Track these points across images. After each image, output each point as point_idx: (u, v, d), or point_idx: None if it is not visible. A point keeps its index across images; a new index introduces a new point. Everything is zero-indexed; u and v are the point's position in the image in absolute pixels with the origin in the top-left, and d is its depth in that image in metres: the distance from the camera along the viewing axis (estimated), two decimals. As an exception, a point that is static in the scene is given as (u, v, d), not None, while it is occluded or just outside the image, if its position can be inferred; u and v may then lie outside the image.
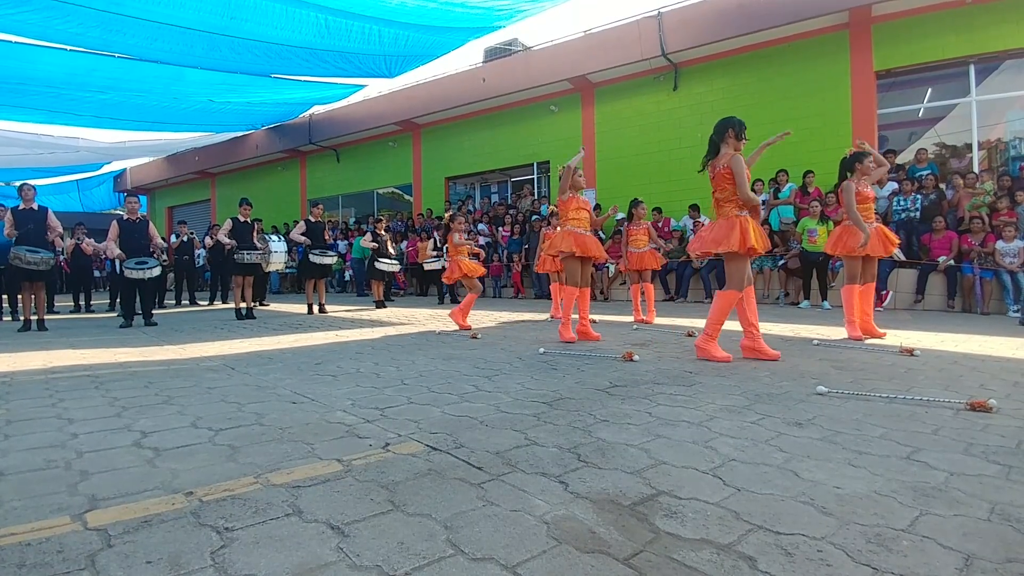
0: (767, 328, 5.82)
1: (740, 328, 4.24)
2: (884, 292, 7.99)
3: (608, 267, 10.82)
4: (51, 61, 9.72)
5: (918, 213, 8.31)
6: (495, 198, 15.51)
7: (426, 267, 11.40)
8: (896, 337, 5.07)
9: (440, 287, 11.36)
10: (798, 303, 8.73)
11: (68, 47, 9.26)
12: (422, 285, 13.94)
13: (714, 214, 4.27)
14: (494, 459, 2.05)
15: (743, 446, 2.15)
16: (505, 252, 12.36)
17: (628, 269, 7.08)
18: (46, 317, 7.22)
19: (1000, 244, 7.38)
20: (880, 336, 5.05)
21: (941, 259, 7.78)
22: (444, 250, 10.64)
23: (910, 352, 4.15)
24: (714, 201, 4.22)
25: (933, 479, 1.80)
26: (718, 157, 4.12)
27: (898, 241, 5.38)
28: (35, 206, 6.93)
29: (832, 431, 2.32)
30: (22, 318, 7.11)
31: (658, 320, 6.92)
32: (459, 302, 10.94)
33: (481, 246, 12.18)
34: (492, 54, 14.03)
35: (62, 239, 7.55)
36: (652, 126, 11.93)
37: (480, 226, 13.22)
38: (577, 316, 5.53)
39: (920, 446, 2.12)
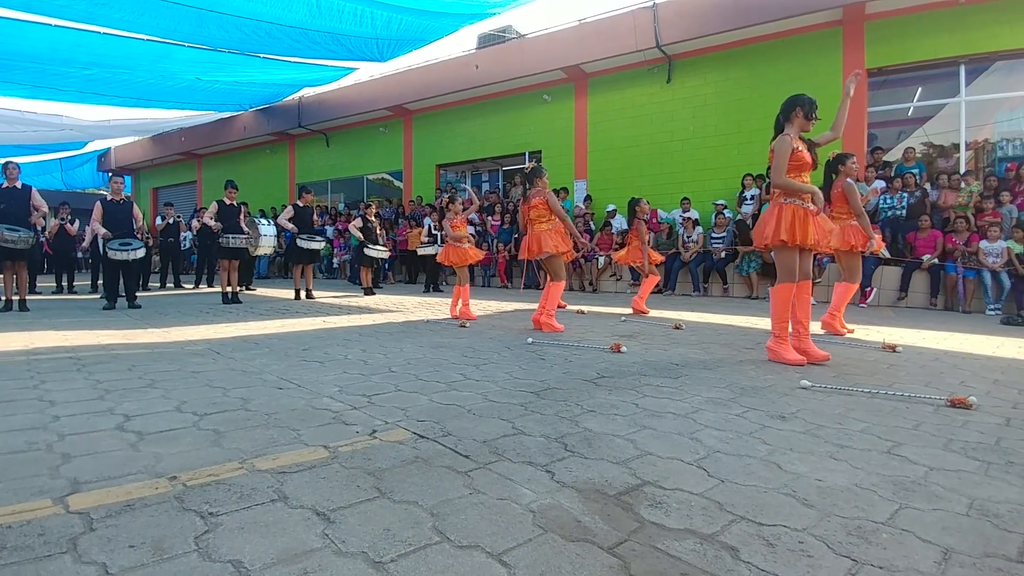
0: (753, 323, 5.87)
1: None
2: (868, 289, 8.08)
3: (598, 259, 10.83)
4: (34, 35, 9.45)
5: (904, 211, 8.39)
6: (486, 187, 15.43)
7: (420, 252, 11.40)
8: (878, 333, 5.13)
9: (428, 275, 11.32)
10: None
11: (52, 20, 9.02)
12: (411, 272, 13.88)
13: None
14: (481, 447, 2.05)
15: (727, 438, 2.17)
16: (495, 242, 12.32)
17: (654, 263, 7.22)
18: (28, 298, 7.11)
19: (984, 244, 7.48)
20: (849, 332, 5.14)
21: (925, 257, 7.87)
22: (439, 236, 10.59)
23: (892, 348, 4.20)
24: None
25: (913, 473, 1.83)
26: None
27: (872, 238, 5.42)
28: (18, 184, 6.80)
29: (815, 425, 2.35)
30: (3, 298, 6.98)
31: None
32: (440, 291, 10.95)
33: (472, 235, 12.19)
34: (485, 41, 13.88)
35: (46, 219, 7.40)
36: (645, 118, 11.90)
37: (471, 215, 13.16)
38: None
39: (901, 441, 2.16)
